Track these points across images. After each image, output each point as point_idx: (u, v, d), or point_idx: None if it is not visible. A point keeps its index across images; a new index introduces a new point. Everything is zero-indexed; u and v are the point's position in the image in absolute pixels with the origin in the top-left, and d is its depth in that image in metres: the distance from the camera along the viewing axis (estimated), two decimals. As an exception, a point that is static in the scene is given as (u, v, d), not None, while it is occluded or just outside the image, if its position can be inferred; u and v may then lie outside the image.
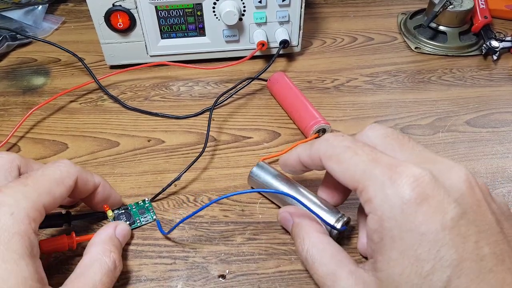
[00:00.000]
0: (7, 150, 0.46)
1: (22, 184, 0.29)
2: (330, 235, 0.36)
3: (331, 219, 0.35)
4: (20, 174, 0.32)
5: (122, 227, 0.36)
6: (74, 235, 0.35)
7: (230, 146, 0.46)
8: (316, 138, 0.45)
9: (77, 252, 0.36)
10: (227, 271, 0.36)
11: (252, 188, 0.41)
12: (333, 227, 0.35)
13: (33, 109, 0.48)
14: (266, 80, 0.51)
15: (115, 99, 0.52)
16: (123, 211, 0.39)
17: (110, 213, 0.38)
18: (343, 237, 0.38)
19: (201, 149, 0.46)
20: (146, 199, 0.40)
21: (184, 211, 0.40)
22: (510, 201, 0.41)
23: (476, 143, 0.47)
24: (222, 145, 0.46)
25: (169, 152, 0.46)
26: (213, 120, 0.49)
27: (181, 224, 0.39)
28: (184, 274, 0.36)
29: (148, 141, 0.47)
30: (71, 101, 0.52)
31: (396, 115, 0.50)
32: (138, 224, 0.39)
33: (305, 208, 0.35)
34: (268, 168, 0.40)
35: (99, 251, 0.32)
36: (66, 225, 0.37)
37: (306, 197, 0.37)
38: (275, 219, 0.40)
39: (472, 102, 0.51)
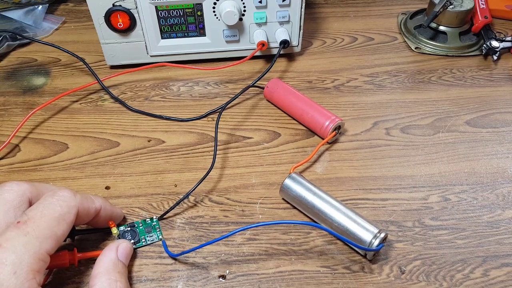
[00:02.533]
0: (8, 151, 0.46)
1: (22, 234, 0.27)
2: (365, 256, 0.36)
3: (367, 236, 0.35)
4: (30, 205, 0.31)
5: (123, 246, 0.34)
6: (76, 251, 0.35)
7: (230, 146, 0.46)
8: (333, 136, 0.46)
9: (79, 269, 0.36)
10: (227, 271, 0.36)
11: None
12: (368, 249, 0.35)
13: (34, 110, 0.48)
14: (263, 88, 0.51)
15: (119, 101, 0.51)
16: (129, 228, 0.38)
17: (115, 231, 0.37)
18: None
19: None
20: (154, 217, 0.39)
21: (184, 211, 0.40)
22: (510, 202, 0.41)
23: (476, 143, 0.47)
24: (222, 145, 0.46)
25: (169, 152, 0.46)
26: (213, 120, 0.49)
27: (181, 225, 0.39)
28: (184, 275, 0.36)
29: (148, 141, 0.47)
30: (72, 101, 0.52)
31: (396, 115, 0.50)
32: (143, 243, 0.38)
33: (339, 232, 0.36)
34: (300, 181, 0.39)
35: (105, 284, 0.30)
36: (69, 239, 0.37)
37: (340, 211, 0.37)
38: (275, 219, 0.40)
39: (472, 102, 0.51)
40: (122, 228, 0.38)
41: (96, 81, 0.52)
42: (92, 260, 0.36)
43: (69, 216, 0.30)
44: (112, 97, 0.52)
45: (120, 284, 0.31)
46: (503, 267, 0.36)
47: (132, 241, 0.38)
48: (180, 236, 0.38)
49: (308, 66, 0.57)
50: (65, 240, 0.36)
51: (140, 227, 0.39)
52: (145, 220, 0.39)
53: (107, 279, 0.31)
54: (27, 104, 0.51)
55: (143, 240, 0.38)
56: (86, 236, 0.38)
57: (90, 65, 0.54)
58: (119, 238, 0.38)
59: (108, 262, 0.32)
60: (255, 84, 0.51)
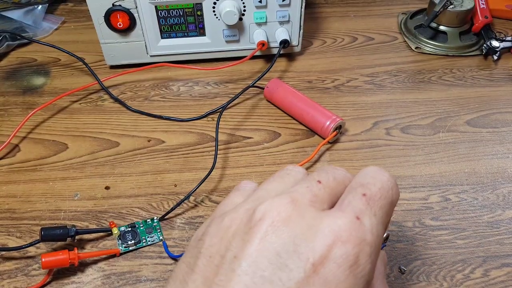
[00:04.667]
0: (8, 151, 0.46)
1: (372, 214, 0.22)
2: None
3: None
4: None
5: (384, 257, 0.29)
6: (76, 251, 0.35)
7: (230, 146, 0.46)
8: (334, 136, 0.45)
9: (79, 269, 0.36)
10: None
11: None
12: None
13: (34, 110, 0.48)
14: (263, 88, 0.51)
15: (119, 101, 0.51)
16: (129, 228, 0.38)
17: (115, 231, 0.37)
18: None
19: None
20: (155, 218, 0.39)
21: (184, 211, 0.40)
22: (510, 202, 0.41)
23: (477, 143, 0.47)
24: (222, 145, 0.46)
25: (169, 152, 0.46)
26: (213, 120, 0.49)
27: (181, 225, 0.39)
28: (184, 275, 0.36)
29: (148, 141, 0.47)
30: (71, 101, 0.52)
31: (396, 115, 0.50)
32: (144, 244, 0.38)
33: None
34: None
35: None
36: (70, 239, 0.36)
37: None
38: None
39: (473, 102, 0.51)
40: (123, 228, 0.38)
41: (96, 81, 0.52)
42: (92, 260, 0.37)
43: (394, 205, 0.24)
44: (112, 97, 0.52)
45: None
46: (504, 267, 0.36)
47: (133, 241, 0.38)
48: (180, 236, 0.38)
49: (308, 66, 0.56)
50: (65, 240, 0.36)
51: (141, 228, 0.39)
52: (145, 221, 0.39)
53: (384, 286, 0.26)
54: (26, 104, 0.51)
55: (144, 241, 0.38)
56: (86, 236, 0.38)
57: (89, 65, 0.54)
58: (120, 238, 0.38)
59: (380, 268, 0.27)
60: (255, 84, 0.51)
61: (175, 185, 0.43)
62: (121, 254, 0.37)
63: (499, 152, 0.46)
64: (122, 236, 0.38)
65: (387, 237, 0.36)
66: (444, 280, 0.35)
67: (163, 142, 0.47)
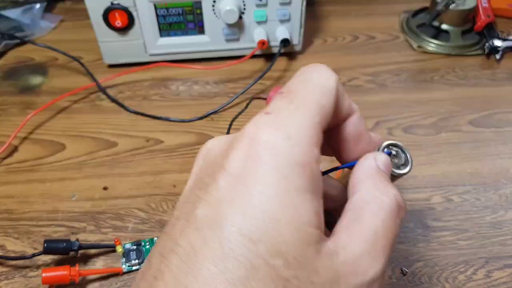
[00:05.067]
0: (8, 152, 0.46)
1: (288, 102, 0.22)
2: None
3: None
4: None
5: (382, 158, 0.26)
6: (78, 267, 0.34)
7: (230, 146, 0.46)
8: None
9: (80, 285, 0.35)
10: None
11: None
12: None
13: (34, 112, 0.47)
14: (265, 99, 0.51)
15: (116, 101, 0.51)
16: (134, 247, 0.37)
17: (119, 249, 0.36)
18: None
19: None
20: None
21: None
22: (514, 202, 0.41)
23: (479, 143, 0.46)
24: (222, 145, 0.46)
25: (168, 152, 0.45)
26: (213, 120, 0.49)
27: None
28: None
29: (147, 141, 0.46)
30: (69, 101, 0.51)
31: (399, 114, 0.49)
32: None
33: None
34: None
35: (371, 187, 0.23)
36: (73, 253, 0.36)
37: None
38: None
39: (475, 102, 0.51)
40: (127, 246, 0.37)
41: (95, 83, 0.52)
42: (94, 278, 0.36)
43: (332, 88, 0.24)
44: (110, 98, 0.51)
45: (393, 190, 0.23)
46: (506, 268, 0.36)
47: (137, 261, 0.36)
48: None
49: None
50: (68, 253, 0.35)
51: (147, 247, 0.37)
52: (152, 239, 0.38)
53: (372, 182, 0.23)
54: (24, 103, 0.51)
55: None
56: (89, 252, 0.37)
57: (88, 64, 0.54)
58: (124, 256, 0.36)
59: (369, 168, 0.25)
60: (258, 96, 0.50)
61: (174, 186, 0.42)
62: (124, 273, 0.36)
63: (502, 152, 0.45)
64: (126, 254, 0.36)
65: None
66: (446, 282, 0.35)
67: (162, 142, 0.46)
